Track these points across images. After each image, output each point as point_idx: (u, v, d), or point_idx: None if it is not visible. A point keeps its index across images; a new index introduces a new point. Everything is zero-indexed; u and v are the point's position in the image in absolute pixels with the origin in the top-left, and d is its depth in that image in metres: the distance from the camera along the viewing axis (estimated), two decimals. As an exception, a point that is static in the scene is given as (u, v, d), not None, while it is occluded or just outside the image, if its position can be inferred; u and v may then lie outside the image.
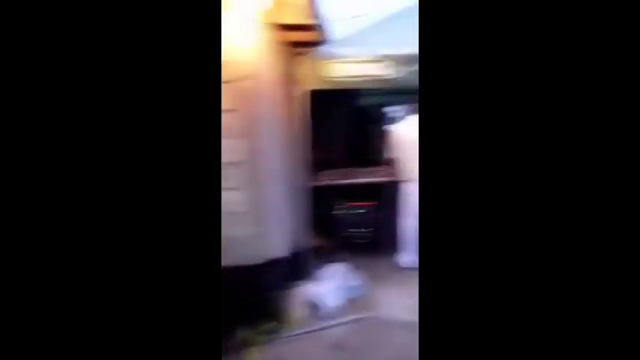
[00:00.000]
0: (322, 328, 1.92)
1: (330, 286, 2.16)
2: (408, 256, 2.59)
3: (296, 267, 2.38)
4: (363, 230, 2.88)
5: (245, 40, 1.82)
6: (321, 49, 2.31)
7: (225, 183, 1.07)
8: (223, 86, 1.05)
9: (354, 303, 2.16)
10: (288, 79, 2.29)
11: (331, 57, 2.28)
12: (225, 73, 1.16)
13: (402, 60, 2.20)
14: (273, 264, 1.96)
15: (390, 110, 3.35)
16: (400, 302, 2.16)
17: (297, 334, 1.86)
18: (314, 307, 2.05)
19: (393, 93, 2.73)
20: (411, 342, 1.74)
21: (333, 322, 1.97)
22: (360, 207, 2.87)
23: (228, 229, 1.23)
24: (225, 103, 1.18)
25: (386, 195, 2.69)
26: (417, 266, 2.66)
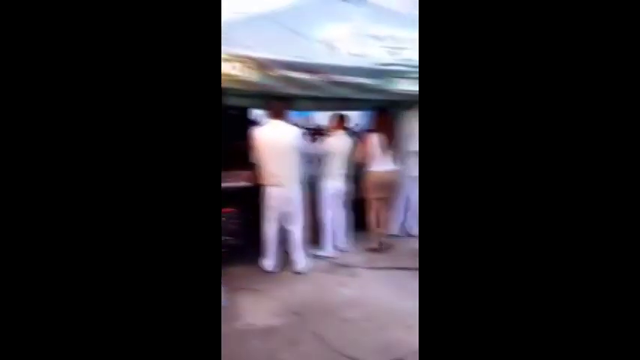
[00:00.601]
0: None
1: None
2: (271, 260, 2.61)
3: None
4: (226, 238, 2.73)
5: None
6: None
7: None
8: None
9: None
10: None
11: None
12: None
13: (261, 63, 2.19)
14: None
15: (252, 113, 3.32)
16: (262, 308, 2.14)
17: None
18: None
19: (254, 96, 2.70)
20: (268, 348, 1.75)
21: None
22: (222, 214, 2.71)
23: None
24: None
25: (248, 200, 2.63)
26: (278, 270, 2.69)
